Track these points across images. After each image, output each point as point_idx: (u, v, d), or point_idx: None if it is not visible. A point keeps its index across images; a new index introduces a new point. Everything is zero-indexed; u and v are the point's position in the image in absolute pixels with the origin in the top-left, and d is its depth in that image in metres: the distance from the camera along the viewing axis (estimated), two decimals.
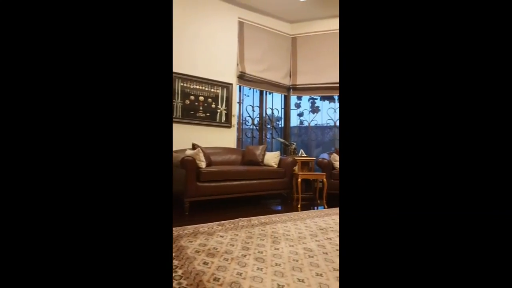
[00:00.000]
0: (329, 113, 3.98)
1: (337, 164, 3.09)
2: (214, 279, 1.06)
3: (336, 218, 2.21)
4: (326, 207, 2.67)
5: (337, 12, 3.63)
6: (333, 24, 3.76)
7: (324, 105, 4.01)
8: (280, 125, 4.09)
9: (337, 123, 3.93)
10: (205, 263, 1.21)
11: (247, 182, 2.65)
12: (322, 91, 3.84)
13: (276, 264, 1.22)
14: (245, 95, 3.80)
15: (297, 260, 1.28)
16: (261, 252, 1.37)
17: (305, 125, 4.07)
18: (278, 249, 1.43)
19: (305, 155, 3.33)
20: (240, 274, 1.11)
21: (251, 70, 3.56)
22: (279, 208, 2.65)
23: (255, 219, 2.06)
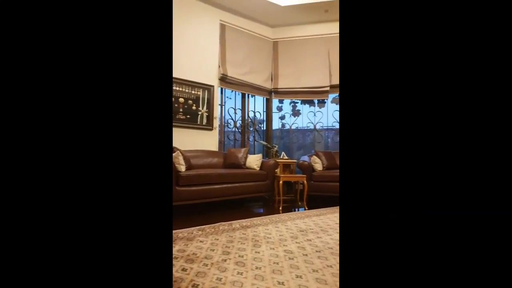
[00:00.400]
0: (309, 117, 4.08)
1: (317, 166, 3.16)
2: (193, 286, 1.03)
3: (316, 219, 2.26)
4: (306, 208, 2.72)
5: (318, 18, 3.74)
6: (314, 30, 3.87)
7: (304, 109, 4.10)
8: (262, 128, 4.11)
9: (317, 126, 4.04)
10: (184, 269, 1.17)
11: (229, 185, 2.63)
12: (302, 95, 3.92)
13: (257, 268, 1.22)
14: (227, 97, 3.78)
15: (277, 263, 1.29)
16: (242, 256, 1.36)
17: (286, 128, 4.13)
18: (259, 252, 1.43)
19: (286, 158, 3.37)
20: (220, 279, 1.10)
21: (233, 72, 3.56)
22: (261, 211, 2.65)
23: (236, 223, 2.04)
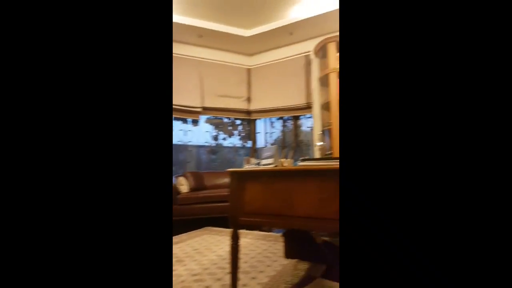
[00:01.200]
0: (179, 135, 3.97)
1: (182, 188, 3.08)
2: None
3: (173, 247, 2.13)
4: None
5: (193, 41, 3.78)
6: (187, 51, 3.87)
7: (176, 125, 3.96)
8: None
9: (188, 144, 3.99)
10: None
11: None
12: (178, 113, 3.78)
13: None
14: None
15: None
16: None
17: None
18: None
19: None
20: None
21: None
22: None
23: None
